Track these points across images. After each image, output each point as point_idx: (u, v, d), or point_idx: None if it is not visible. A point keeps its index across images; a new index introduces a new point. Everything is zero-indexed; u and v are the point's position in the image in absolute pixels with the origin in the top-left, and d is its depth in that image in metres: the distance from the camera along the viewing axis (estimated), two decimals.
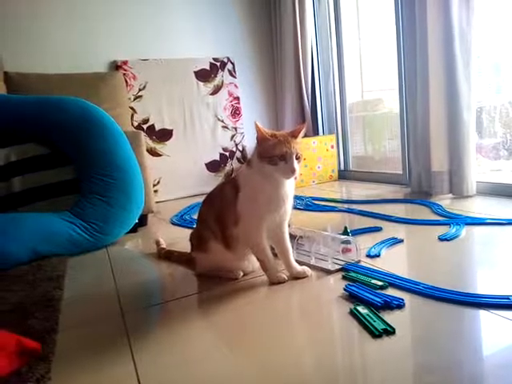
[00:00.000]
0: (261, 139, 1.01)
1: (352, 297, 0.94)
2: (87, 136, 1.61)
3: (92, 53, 2.51)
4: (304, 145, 2.70)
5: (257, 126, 0.99)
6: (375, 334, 0.77)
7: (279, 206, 1.04)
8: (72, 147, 1.64)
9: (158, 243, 1.48)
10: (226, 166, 2.90)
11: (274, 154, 0.98)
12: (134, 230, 1.80)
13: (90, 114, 1.65)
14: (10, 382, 0.68)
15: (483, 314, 0.82)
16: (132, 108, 2.57)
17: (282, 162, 0.97)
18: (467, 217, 1.52)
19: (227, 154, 2.90)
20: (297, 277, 1.09)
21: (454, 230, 1.37)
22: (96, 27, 2.51)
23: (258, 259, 1.10)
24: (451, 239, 1.29)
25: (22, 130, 1.66)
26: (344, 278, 1.06)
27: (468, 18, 1.79)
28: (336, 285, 1.03)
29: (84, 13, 2.48)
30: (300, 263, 1.14)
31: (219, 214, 1.10)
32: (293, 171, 0.98)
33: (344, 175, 2.88)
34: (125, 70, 2.55)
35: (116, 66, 2.56)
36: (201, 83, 2.78)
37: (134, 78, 2.58)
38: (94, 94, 2.20)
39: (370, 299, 0.90)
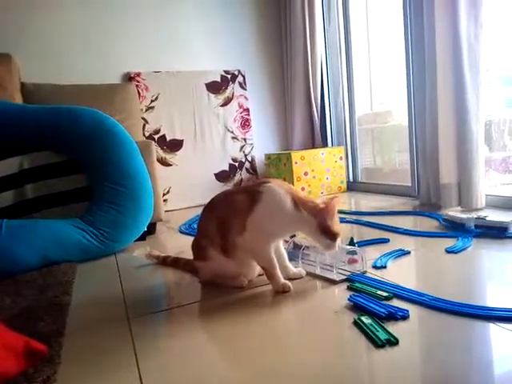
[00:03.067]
0: (332, 215, 1.05)
1: (356, 307, 0.94)
2: (99, 145, 1.65)
3: (106, 64, 2.58)
4: (313, 156, 2.72)
5: (336, 202, 1.06)
6: (378, 344, 0.77)
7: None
8: (84, 156, 1.68)
9: (150, 254, 1.50)
10: (235, 176, 2.92)
11: (337, 232, 1.06)
12: (142, 237, 1.82)
13: (102, 124, 1.69)
14: (17, 383, 0.70)
15: (490, 326, 0.81)
16: (144, 119, 2.62)
17: (334, 239, 1.05)
18: (474, 230, 1.50)
19: (236, 164, 2.93)
20: (292, 278, 1.14)
21: (462, 242, 1.36)
22: (110, 40, 2.58)
23: (262, 268, 1.10)
24: (459, 252, 1.28)
25: (36, 138, 1.70)
26: (349, 288, 1.06)
27: (476, 32, 1.80)
28: (341, 295, 1.03)
29: (98, 26, 2.55)
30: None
31: (223, 220, 1.09)
32: (334, 249, 1.08)
33: (353, 187, 2.87)
34: (138, 82, 2.61)
35: (129, 78, 2.62)
36: (212, 95, 2.83)
37: (147, 89, 2.64)
38: (107, 104, 2.25)
39: (374, 310, 0.89)
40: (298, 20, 2.84)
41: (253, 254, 1.09)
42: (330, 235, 1.05)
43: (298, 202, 1.05)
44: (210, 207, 1.17)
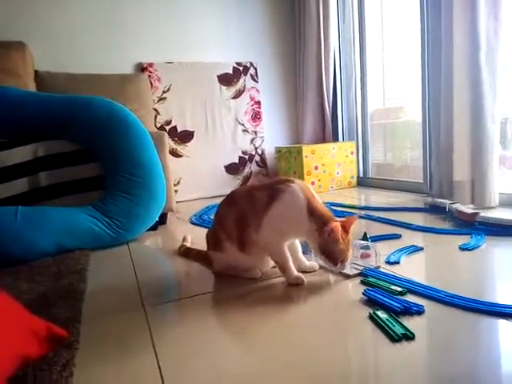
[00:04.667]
0: (333, 240, 1.01)
1: (371, 301, 0.94)
2: (113, 135, 1.66)
3: (119, 54, 2.58)
4: (323, 150, 2.71)
5: (336, 228, 1.00)
6: (394, 339, 0.77)
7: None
8: (98, 145, 1.69)
9: (184, 239, 1.51)
10: (244, 169, 2.92)
11: (338, 258, 1.03)
12: (154, 227, 1.83)
13: (116, 114, 1.70)
14: (38, 365, 0.71)
15: (503, 323, 0.81)
16: (155, 109, 2.62)
17: (339, 264, 1.03)
18: (489, 227, 1.50)
19: (246, 157, 2.93)
20: (304, 270, 1.14)
21: (475, 240, 1.36)
22: (123, 30, 2.57)
23: (275, 261, 1.11)
24: (472, 249, 1.28)
25: (50, 126, 1.72)
26: (363, 282, 1.06)
27: (495, 29, 1.77)
28: (355, 289, 1.03)
29: (111, 16, 2.55)
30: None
31: (242, 216, 1.09)
32: (342, 270, 1.07)
33: (363, 182, 2.86)
34: (150, 72, 2.61)
35: (142, 68, 2.62)
36: (223, 87, 2.82)
37: (159, 80, 2.64)
38: (119, 94, 2.26)
39: (389, 304, 0.90)
40: (312, 13, 2.81)
41: (266, 250, 1.09)
42: (330, 259, 1.03)
43: (312, 213, 1.03)
44: (231, 201, 1.15)
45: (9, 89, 1.76)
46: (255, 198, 1.08)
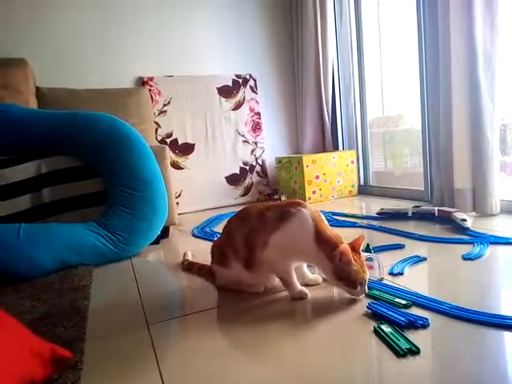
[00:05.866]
0: (346, 263, 0.98)
1: (375, 315, 0.94)
2: (114, 150, 1.67)
3: (119, 69, 2.61)
4: (324, 160, 2.72)
5: (346, 250, 0.98)
6: (400, 354, 0.76)
7: None
8: (100, 161, 1.70)
9: (185, 255, 1.51)
10: (245, 179, 2.93)
11: (356, 280, 0.99)
12: (156, 241, 1.83)
13: (117, 129, 1.71)
14: None
15: (509, 336, 0.81)
16: (156, 123, 2.64)
17: (359, 287, 1.00)
18: (491, 236, 1.50)
19: (247, 167, 2.94)
20: (308, 284, 1.14)
21: (478, 249, 1.35)
22: (123, 44, 2.60)
23: (279, 278, 1.10)
24: (475, 258, 1.27)
25: (52, 143, 1.73)
26: (367, 295, 1.06)
27: (492, 37, 1.78)
28: (359, 302, 1.03)
29: (112, 30, 2.58)
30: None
31: (251, 234, 1.09)
32: (364, 293, 1.02)
33: (364, 190, 2.87)
34: (150, 86, 2.63)
35: (142, 82, 2.64)
36: (223, 99, 2.85)
37: (159, 93, 2.66)
38: (120, 109, 2.28)
39: (393, 318, 0.89)
40: (310, 24, 2.84)
41: (271, 268, 1.09)
42: (348, 283, 1.00)
43: (320, 239, 1.01)
44: (242, 218, 1.15)
45: (11, 106, 1.77)
46: (265, 217, 1.07)
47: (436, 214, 1.81)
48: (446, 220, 1.75)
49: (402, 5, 2.60)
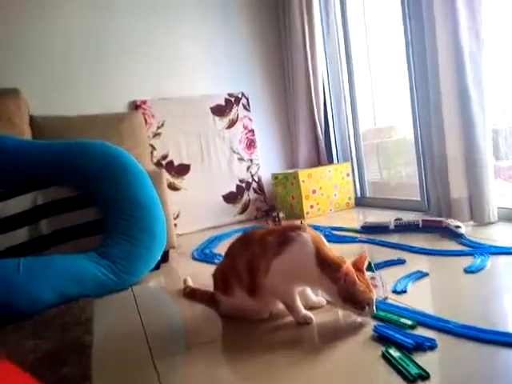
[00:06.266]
0: (351, 284, 0.97)
1: (382, 338, 0.93)
2: (111, 178, 1.67)
3: (112, 94, 2.61)
4: (319, 174, 2.73)
5: (350, 271, 0.97)
6: (409, 380, 0.76)
7: None
8: (97, 189, 1.70)
9: (185, 282, 1.50)
10: (242, 197, 2.93)
11: (363, 301, 0.97)
12: (156, 266, 1.82)
13: (113, 157, 1.71)
14: None
15: None
16: (151, 145, 2.65)
17: (367, 307, 0.98)
18: (491, 246, 1.50)
19: (243, 185, 2.94)
20: (312, 307, 1.13)
21: (479, 260, 1.36)
22: (115, 70, 2.62)
23: (282, 303, 1.10)
24: (477, 271, 1.28)
25: (48, 174, 1.72)
26: (372, 316, 1.05)
27: (478, 45, 1.80)
28: (365, 325, 1.02)
29: (103, 57, 2.60)
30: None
31: (252, 260, 1.09)
32: (372, 314, 1.00)
33: (361, 202, 2.88)
34: (144, 109, 2.64)
35: (135, 106, 2.65)
36: (217, 118, 2.86)
37: (153, 116, 2.67)
38: (115, 134, 2.28)
39: (401, 341, 0.89)
40: (298, 39, 2.87)
41: (274, 294, 1.09)
42: (355, 305, 0.98)
43: (322, 263, 1.01)
44: (243, 244, 1.15)
45: (5, 138, 1.77)
46: (266, 242, 1.07)
47: (420, 225, 1.85)
48: (434, 229, 1.79)
49: (388, 15, 2.64)
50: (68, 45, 2.53)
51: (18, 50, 2.42)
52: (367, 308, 0.98)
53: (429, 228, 1.83)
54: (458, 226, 1.70)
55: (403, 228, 1.91)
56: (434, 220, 1.86)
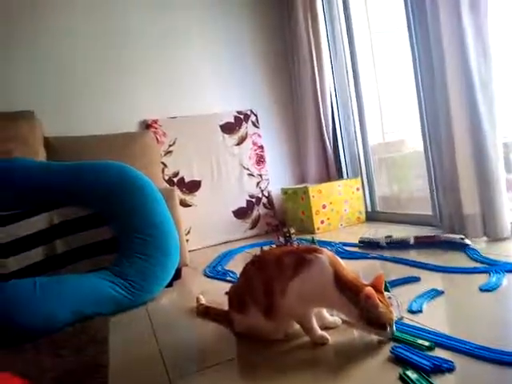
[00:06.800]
0: (374, 307, 0.98)
1: (399, 360, 0.93)
2: (126, 198, 1.70)
3: (124, 114, 2.67)
4: (329, 189, 2.73)
5: (372, 294, 0.97)
6: None
7: None
8: (111, 209, 1.73)
9: (198, 300, 1.51)
10: (252, 212, 2.94)
11: (386, 322, 0.98)
12: (169, 284, 1.83)
13: (127, 177, 1.74)
14: None
15: None
16: (163, 163, 2.69)
17: (383, 329, 0.99)
18: (506, 263, 1.49)
19: (253, 200, 2.96)
20: (328, 326, 1.14)
21: (495, 278, 1.34)
22: (126, 90, 2.68)
23: (299, 323, 1.10)
24: (493, 290, 1.26)
25: (62, 195, 1.76)
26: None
27: (486, 62, 1.82)
28: (381, 346, 1.02)
29: (114, 78, 2.66)
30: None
31: (268, 281, 1.09)
32: (393, 334, 1.00)
33: (372, 216, 2.87)
34: (155, 128, 2.69)
35: (146, 125, 2.70)
36: (226, 135, 2.90)
37: (164, 135, 2.72)
38: (127, 153, 2.32)
39: (418, 363, 0.89)
40: (305, 55, 2.92)
41: (290, 315, 1.09)
42: (378, 327, 0.98)
43: (341, 285, 1.01)
44: (259, 265, 1.15)
45: (22, 160, 1.82)
46: (283, 263, 1.08)
47: (411, 243, 1.89)
48: (429, 245, 1.84)
49: (393, 30, 2.66)
50: (80, 68, 2.60)
51: (33, 75, 2.49)
52: (389, 328, 0.99)
53: (422, 244, 1.86)
54: (462, 238, 1.74)
55: (394, 245, 1.95)
56: (426, 236, 1.90)
